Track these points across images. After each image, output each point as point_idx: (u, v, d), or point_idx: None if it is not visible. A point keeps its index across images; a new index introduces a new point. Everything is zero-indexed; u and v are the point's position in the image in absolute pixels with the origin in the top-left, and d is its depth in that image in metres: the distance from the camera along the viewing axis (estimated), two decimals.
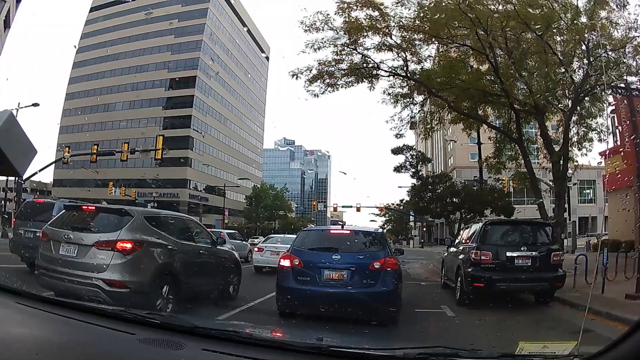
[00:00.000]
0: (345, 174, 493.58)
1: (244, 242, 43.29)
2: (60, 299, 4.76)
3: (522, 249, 17.47)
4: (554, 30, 28.95)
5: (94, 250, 12.11)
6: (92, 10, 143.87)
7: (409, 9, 30.38)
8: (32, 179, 57.78)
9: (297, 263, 13.51)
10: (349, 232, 15.90)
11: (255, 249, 32.47)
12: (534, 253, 17.37)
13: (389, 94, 35.01)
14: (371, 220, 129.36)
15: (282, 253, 16.24)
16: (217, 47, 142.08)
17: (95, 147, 59.67)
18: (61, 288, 11.78)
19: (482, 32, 28.34)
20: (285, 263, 13.78)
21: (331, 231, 16.72)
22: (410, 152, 64.25)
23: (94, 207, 14.71)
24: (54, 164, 64.13)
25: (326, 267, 13.24)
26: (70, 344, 3.54)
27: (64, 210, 15.03)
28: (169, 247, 13.57)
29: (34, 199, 29.48)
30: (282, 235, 35.97)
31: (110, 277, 11.79)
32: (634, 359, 2.37)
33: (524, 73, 30.44)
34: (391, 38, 31.41)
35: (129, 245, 12.24)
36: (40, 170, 53.40)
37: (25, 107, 55.13)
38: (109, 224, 13.01)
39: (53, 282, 12.09)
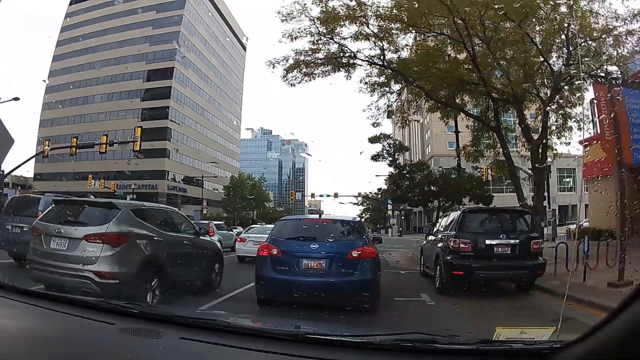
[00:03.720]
0: (320, 160, 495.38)
1: (230, 232, 46.04)
2: (41, 291, 4.80)
3: (501, 236, 17.51)
4: (533, 20, 28.95)
5: (84, 243, 12.39)
6: (72, 3, 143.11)
7: None
8: (12, 173, 57.47)
9: (275, 252, 13.58)
10: (326, 221, 15.88)
11: (238, 239, 33.39)
12: (513, 241, 17.44)
13: (366, 82, 34.85)
14: (356, 208, 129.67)
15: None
16: (195, 38, 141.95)
17: (75, 139, 59.39)
18: (52, 281, 12.20)
19: (460, 22, 28.28)
20: (264, 253, 13.86)
21: (309, 220, 16.90)
22: (388, 141, 64.35)
23: (82, 201, 15.55)
24: (34, 158, 63.75)
25: (304, 256, 13.38)
26: (51, 334, 3.59)
27: (53, 205, 15.26)
28: (155, 238, 13.93)
29: (21, 194, 29.61)
30: (263, 225, 36.53)
31: (100, 268, 12.10)
32: (613, 345, 2.35)
33: (502, 62, 30.44)
34: (368, 27, 31.29)
35: (117, 238, 12.58)
36: (21, 164, 53.41)
37: (6, 101, 54.79)
38: (98, 217, 13.29)
39: (45, 275, 12.50)
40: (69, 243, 12.57)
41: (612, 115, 18.53)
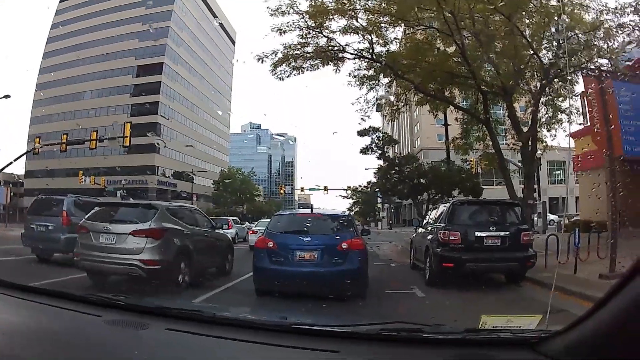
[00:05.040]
0: (304, 142, 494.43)
1: (243, 226, 53.82)
2: (29, 285, 4.78)
3: (491, 228, 17.53)
4: (523, 13, 28.97)
5: (131, 237, 15.20)
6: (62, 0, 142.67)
7: None
8: (4, 170, 57.33)
9: (271, 245, 14.68)
10: (318, 215, 16.96)
11: (250, 231, 38.82)
12: (503, 233, 17.47)
13: (355, 76, 34.83)
14: (346, 202, 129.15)
15: None
16: (185, 34, 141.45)
17: (65, 136, 59.43)
18: (103, 269, 15.31)
19: (449, 15, 28.30)
20: (260, 245, 15.07)
21: (302, 215, 18.05)
22: (377, 134, 64.38)
23: (125, 204, 20.50)
24: (25, 155, 63.55)
25: (298, 248, 14.41)
26: (37, 327, 3.67)
27: (97, 207, 17.84)
28: (185, 232, 17.01)
29: (45, 195, 30.36)
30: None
31: (146, 257, 14.85)
32: (600, 334, 2.35)
33: (491, 55, 30.43)
34: (357, 21, 31.31)
35: (158, 232, 15.49)
36: (12, 162, 53.53)
37: None
38: (140, 216, 16.21)
39: (94, 265, 15.31)
40: (116, 238, 15.28)
41: (601, 108, 18.59)
